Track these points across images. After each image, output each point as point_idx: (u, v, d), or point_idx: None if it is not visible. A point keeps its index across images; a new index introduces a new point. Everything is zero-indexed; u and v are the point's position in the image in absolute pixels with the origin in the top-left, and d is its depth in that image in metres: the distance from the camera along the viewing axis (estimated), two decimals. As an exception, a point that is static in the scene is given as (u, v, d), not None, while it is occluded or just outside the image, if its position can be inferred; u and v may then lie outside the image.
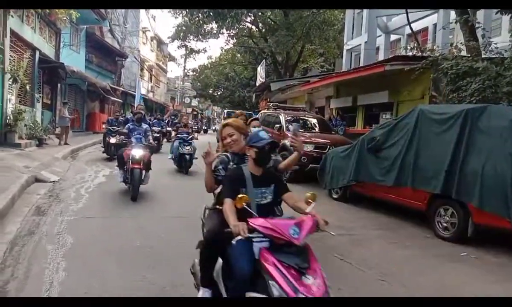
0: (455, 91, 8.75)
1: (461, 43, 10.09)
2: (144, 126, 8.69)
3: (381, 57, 21.20)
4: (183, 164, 11.39)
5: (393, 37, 23.14)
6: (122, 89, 28.99)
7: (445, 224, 6.30)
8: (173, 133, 12.61)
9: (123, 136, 8.68)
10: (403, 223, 7.20)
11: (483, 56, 9.30)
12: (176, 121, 18.56)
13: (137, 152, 7.72)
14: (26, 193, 7.35)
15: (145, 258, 4.68)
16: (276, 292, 2.37)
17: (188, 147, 11.38)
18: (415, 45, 13.58)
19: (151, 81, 40.67)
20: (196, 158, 11.33)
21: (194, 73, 45.80)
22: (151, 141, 8.52)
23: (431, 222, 6.57)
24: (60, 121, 16.17)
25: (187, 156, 11.37)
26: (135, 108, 15.91)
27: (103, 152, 13.48)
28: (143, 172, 7.86)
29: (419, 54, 11.79)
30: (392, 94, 12.13)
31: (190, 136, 11.68)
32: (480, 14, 12.35)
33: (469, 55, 9.41)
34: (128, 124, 8.78)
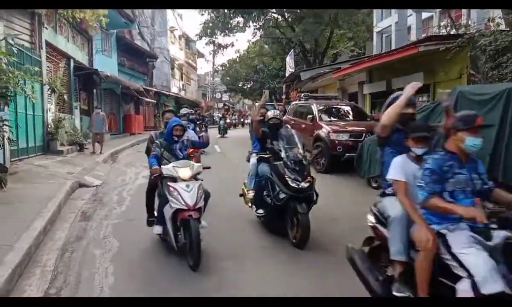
0: (495, 69, 8.36)
1: (499, 17, 9.61)
2: None
3: (413, 37, 20.50)
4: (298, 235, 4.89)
5: (424, 15, 22.22)
6: (155, 90, 29.53)
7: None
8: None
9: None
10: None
11: (524, 29, 8.85)
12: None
13: None
14: (71, 199, 7.64)
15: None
16: None
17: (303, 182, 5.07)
18: (449, 22, 13.04)
19: (182, 80, 41.19)
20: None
21: (223, 68, 46.16)
22: None
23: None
24: (94, 127, 14.33)
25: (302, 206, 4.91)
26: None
27: None
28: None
29: (454, 32, 11.33)
30: (428, 75, 11.72)
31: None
32: (518, -16, 11.72)
33: (509, 29, 8.97)
34: None
